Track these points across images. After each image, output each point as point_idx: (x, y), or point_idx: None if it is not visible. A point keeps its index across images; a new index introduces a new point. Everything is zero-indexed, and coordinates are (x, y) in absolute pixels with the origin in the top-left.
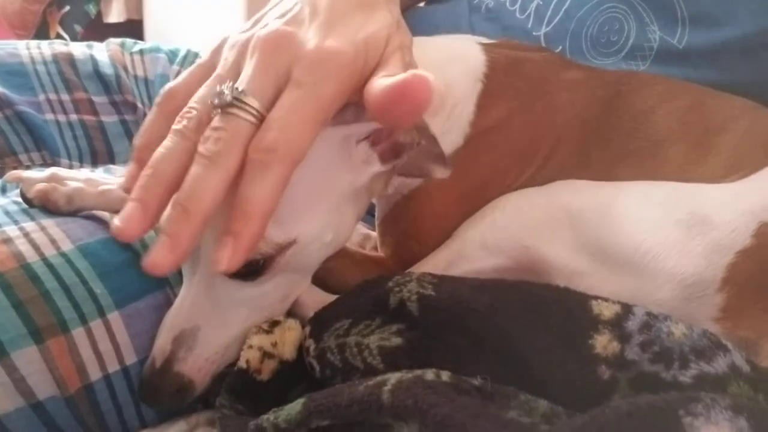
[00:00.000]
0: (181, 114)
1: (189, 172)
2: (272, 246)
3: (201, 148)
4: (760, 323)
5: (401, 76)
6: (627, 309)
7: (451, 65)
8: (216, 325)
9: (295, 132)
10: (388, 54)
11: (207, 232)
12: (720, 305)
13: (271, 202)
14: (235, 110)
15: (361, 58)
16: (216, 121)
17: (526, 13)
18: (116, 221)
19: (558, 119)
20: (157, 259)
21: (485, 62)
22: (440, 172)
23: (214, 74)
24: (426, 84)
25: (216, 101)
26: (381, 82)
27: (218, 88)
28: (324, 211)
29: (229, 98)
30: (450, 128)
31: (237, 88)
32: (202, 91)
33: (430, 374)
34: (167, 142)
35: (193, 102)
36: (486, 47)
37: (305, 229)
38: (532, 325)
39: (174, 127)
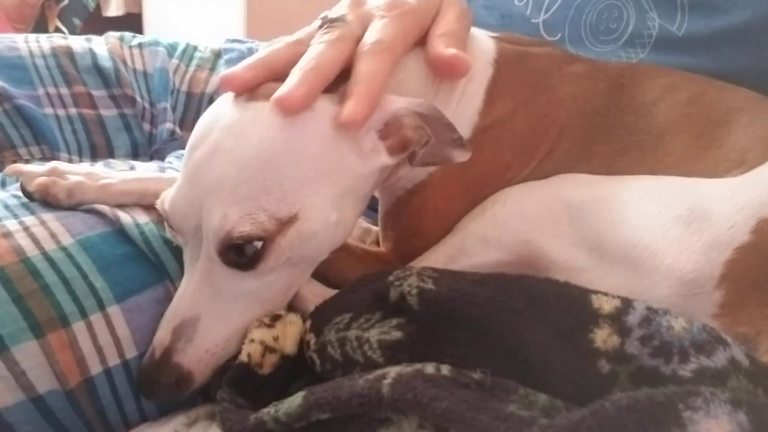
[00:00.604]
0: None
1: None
2: (273, 221)
3: (312, 42)
4: (758, 319)
5: (451, 53)
6: (627, 303)
7: (468, 43)
8: (216, 316)
9: (391, 37)
10: (445, 7)
11: (208, 205)
12: (718, 301)
13: (382, 76)
14: (339, 24)
15: (422, 8)
16: (323, 29)
17: (525, 0)
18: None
19: (560, 113)
20: (288, 95)
21: (495, 49)
22: (461, 156)
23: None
24: (465, 66)
25: (320, 23)
26: (439, 49)
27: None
28: (326, 193)
29: (333, 17)
30: (459, 116)
31: (340, 14)
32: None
33: (430, 368)
34: (273, 46)
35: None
36: (493, 37)
37: (306, 205)
38: (533, 319)
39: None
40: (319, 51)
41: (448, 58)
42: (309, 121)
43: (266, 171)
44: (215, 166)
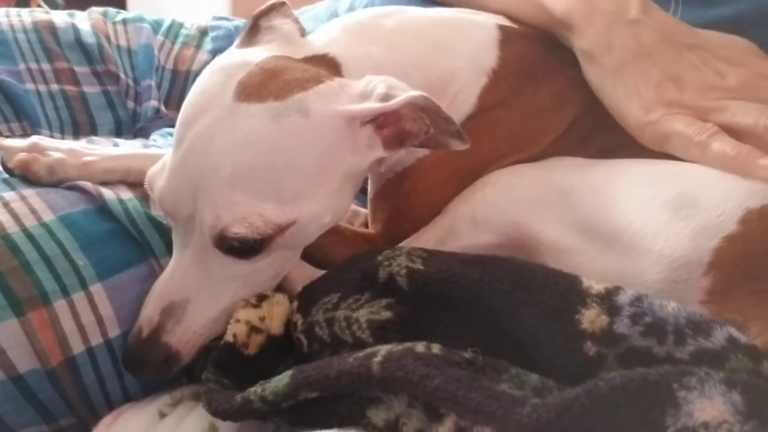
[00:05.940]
0: None
1: None
2: (272, 227)
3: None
4: (746, 306)
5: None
6: (618, 286)
7: (462, 50)
8: (206, 299)
9: None
10: None
11: (201, 202)
12: (706, 288)
13: None
14: None
15: None
16: None
17: None
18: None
19: (564, 110)
20: None
21: (497, 58)
22: (458, 146)
23: None
24: None
25: None
26: None
27: None
28: (325, 194)
29: None
30: (450, 113)
31: None
32: None
33: (420, 347)
34: None
35: None
36: (502, 42)
37: (306, 210)
38: (521, 300)
39: None
40: None
41: None
42: (305, 127)
43: (263, 178)
44: (209, 163)
